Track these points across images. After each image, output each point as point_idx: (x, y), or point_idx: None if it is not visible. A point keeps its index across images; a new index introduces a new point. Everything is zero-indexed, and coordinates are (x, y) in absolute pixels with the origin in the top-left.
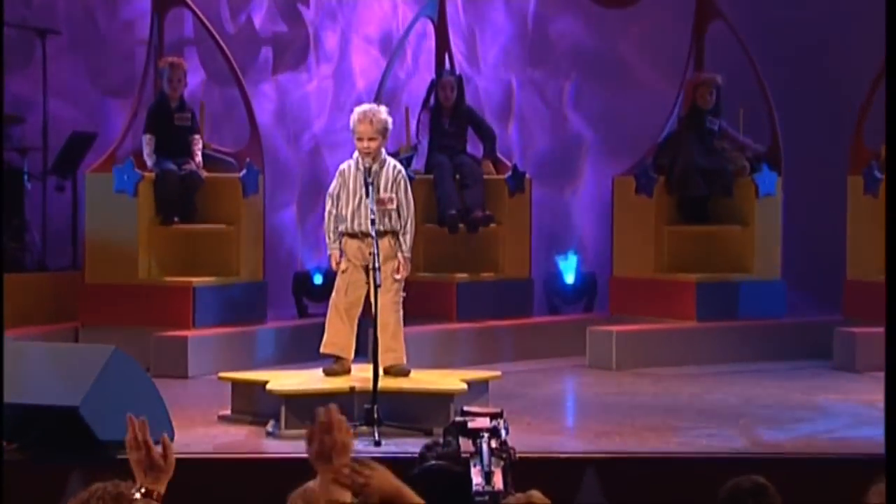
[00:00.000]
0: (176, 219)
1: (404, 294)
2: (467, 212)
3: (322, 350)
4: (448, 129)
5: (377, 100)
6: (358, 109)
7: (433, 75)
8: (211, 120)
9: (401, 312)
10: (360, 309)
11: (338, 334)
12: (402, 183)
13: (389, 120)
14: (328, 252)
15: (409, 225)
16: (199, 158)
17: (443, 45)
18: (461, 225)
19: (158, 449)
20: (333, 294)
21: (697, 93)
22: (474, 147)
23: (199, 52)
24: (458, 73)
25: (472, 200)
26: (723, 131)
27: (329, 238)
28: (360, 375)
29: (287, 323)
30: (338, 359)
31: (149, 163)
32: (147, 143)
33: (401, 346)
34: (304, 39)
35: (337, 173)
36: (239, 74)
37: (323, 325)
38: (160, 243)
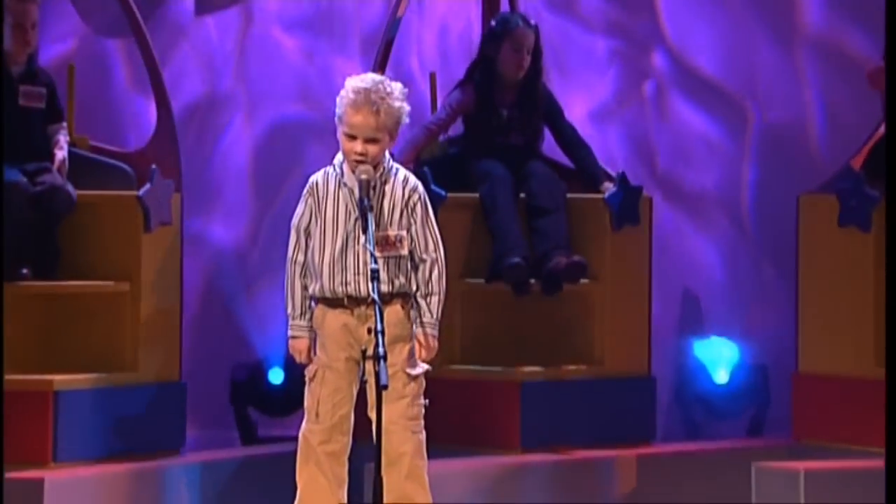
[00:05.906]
0: (25, 270)
1: (426, 402)
2: (542, 258)
3: None
4: (508, 117)
5: (379, 66)
6: (352, 85)
7: (481, 24)
8: (88, 98)
9: (423, 434)
10: (348, 438)
11: (315, 492)
12: (420, 209)
13: (406, 108)
14: (289, 333)
15: (434, 280)
16: (63, 159)
17: None
18: (532, 281)
19: None
20: (304, 422)
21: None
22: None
23: None
24: (533, 22)
25: (549, 238)
26: None
27: (292, 305)
28: None
29: (221, 454)
30: None
31: None
32: None
33: (425, 492)
34: None
35: (304, 192)
36: (139, 21)
37: (288, 457)
38: None
